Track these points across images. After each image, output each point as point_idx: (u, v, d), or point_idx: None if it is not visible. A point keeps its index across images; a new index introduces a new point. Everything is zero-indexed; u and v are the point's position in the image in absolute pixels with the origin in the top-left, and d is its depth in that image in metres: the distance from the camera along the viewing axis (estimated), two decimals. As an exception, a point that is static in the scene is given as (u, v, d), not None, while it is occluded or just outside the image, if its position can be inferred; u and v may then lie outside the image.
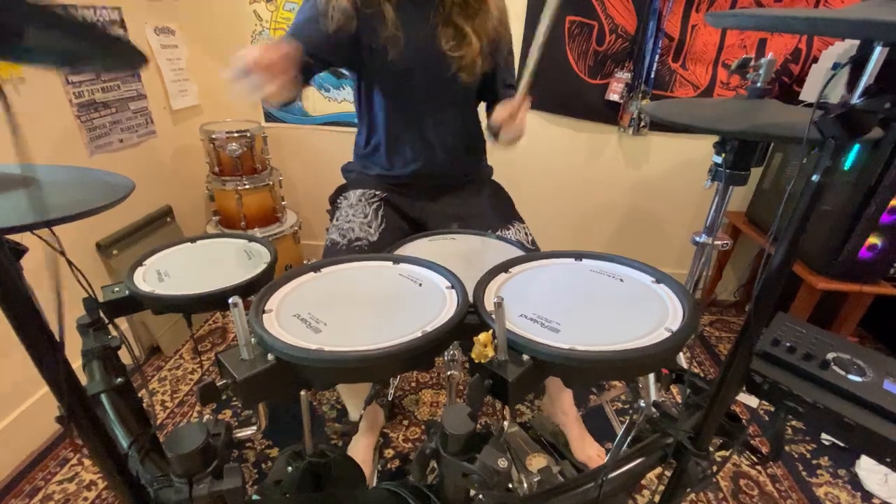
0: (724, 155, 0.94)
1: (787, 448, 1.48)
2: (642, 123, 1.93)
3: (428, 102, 1.13)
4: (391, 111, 1.15)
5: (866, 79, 0.40)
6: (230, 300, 0.53)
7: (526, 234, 1.13)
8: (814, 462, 1.44)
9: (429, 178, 1.20)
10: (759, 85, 0.93)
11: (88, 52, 0.35)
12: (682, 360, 1.20)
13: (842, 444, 1.45)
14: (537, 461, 1.19)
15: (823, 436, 1.51)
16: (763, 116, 0.85)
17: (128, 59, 0.37)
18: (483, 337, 0.54)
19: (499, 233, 1.10)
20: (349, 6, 0.99)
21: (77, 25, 0.30)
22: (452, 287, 0.68)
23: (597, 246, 2.26)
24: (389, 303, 0.66)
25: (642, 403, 1.13)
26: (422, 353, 0.56)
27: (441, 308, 0.63)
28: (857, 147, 1.45)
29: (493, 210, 1.19)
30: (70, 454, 1.37)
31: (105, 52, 0.35)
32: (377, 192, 1.18)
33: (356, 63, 1.10)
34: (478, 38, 1.05)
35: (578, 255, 0.79)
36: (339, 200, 1.21)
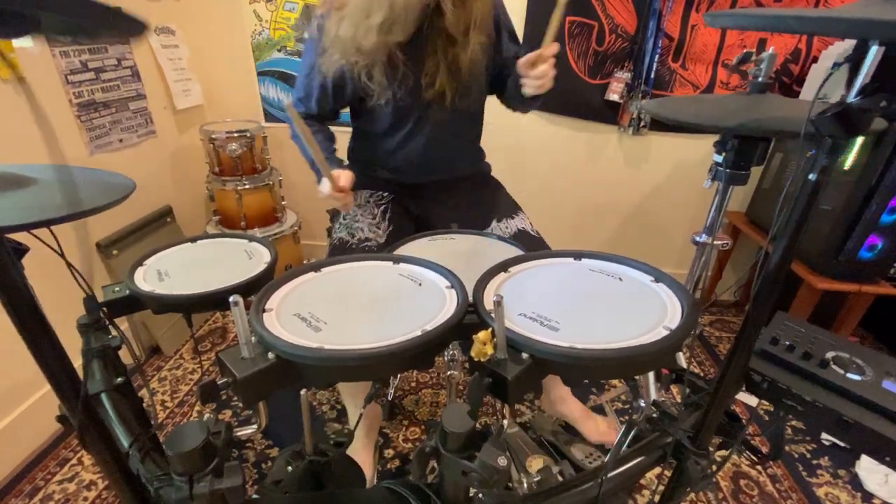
0: (724, 154, 0.93)
1: (787, 448, 1.48)
2: (642, 123, 1.93)
3: (422, 125, 1.13)
4: (389, 132, 1.16)
5: (862, 77, 0.40)
6: (231, 299, 0.53)
7: (530, 224, 1.14)
8: (814, 462, 1.44)
9: (430, 182, 1.22)
10: (760, 79, 0.92)
11: (91, 27, 0.37)
12: (682, 359, 1.20)
13: (842, 444, 1.45)
14: (536, 462, 1.19)
15: (823, 436, 1.51)
16: (764, 111, 0.85)
17: (129, 28, 0.38)
18: (482, 335, 0.54)
19: (504, 221, 1.11)
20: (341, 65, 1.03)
21: (83, 4, 0.32)
22: (452, 286, 0.68)
23: (596, 245, 2.25)
24: (389, 302, 0.66)
25: (642, 403, 1.13)
26: (422, 352, 0.57)
27: (441, 307, 0.63)
28: (857, 143, 1.45)
29: (496, 200, 1.22)
30: (70, 454, 1.37)
31: (106, 25, 0.36)
32: (384, 194, 1.19)
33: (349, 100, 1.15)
34: (449, 72, 1.04)
35: (578, 255, 0.79)
36: None
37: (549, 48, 0.97)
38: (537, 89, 1.01)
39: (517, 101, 1.11)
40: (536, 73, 0.98)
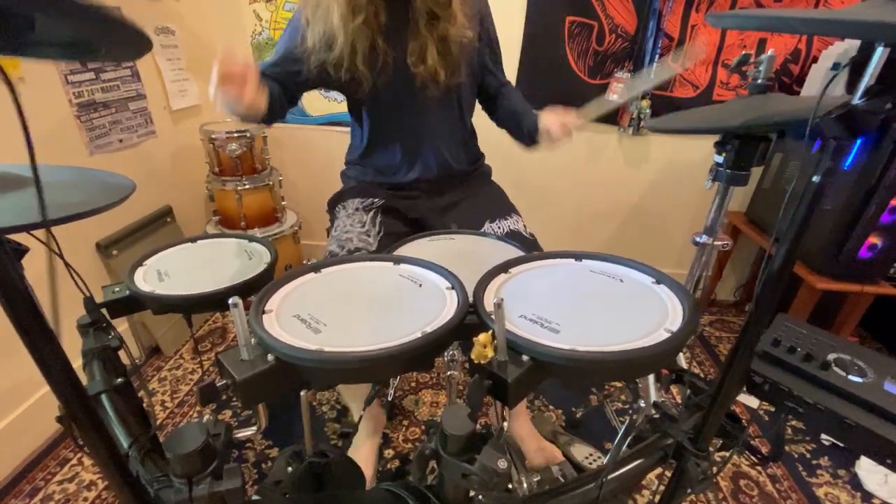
0: (724, 154, 0.93)
1: (787, 448, 1.48)
2: (642, 123, 1.93)
3: (413, 114, 1.13)
4: (381, 123, 1.15)
5: (867, 79, 0.39)
6: (230, 300, 0.53)
7: (524, 226, 1.14)
8: (814, 462, 1.44)
9: (426, 182, 1.20)
10: (759, 81, 0.92)
11: (93, 39, 0.35)
12: (682, 360, 1.20)
13: (842, 445, 1.45)
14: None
15: (823, 436, 1.51)
16: (767, 108, 0.85)
17: (133, 44, 0.37)
18: (483, 337, 0.54)
19: (496, 222, 1.10)
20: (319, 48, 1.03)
21: (83, 8, 0.30)
22: (452, 287, 0.68)
23: (597, 246, 2.26)
24: (389, 303, 0.66)
25: (642, 404, 1.13)
26: (422, 354, 0.56)
27: (441, 308, 0.63)
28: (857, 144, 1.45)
29: (491, 202, 1.21)
30: (70, 454, 1.37)
31: (110, 38, 0.35)
32: (375, 200, 1.18)
33: (336, 86, 1.12)
34: (437, 50, 1.04)
35: (578, 256, 0.79)
36: (336, 209, 1.22)
37: (577, 121, 1.05)
38: (551, 147, 1.09)
39: (524, 142, 1.19)
40: (557, 141, 1.06)
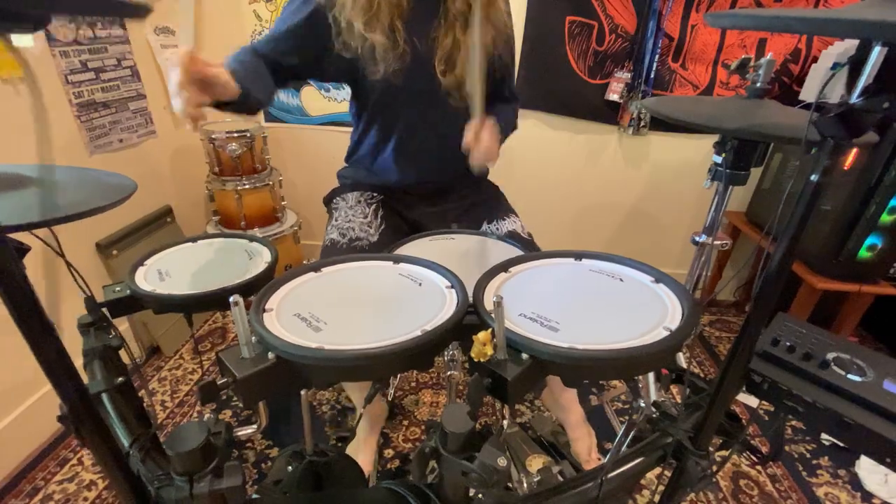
0: (723, 155, 0.94)
1: (787, 448, 1.48)
2: (642, 123, 1.93)
3: (425, 118, 1.10)
4: (387, 125, 1.13)
5: (865, 78, 0.40)
6: (231, 298, 0.53)
7: (522, 226, 1.13)
8: (814, 462, 1.44)
9: (426, 186, 1.20)
10: (758, 85, 0.93)
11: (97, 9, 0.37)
12: (682, 359, 1.20)
13: (842, 444, 1.45)
14: (536, 462, 1.19)
15: (823, 436, 1.52)
16: (761, 116, 0.85)
17: (133, 9, 0.38)
18: (482, 336, 0.54)
19: (494, 223, 1.10)
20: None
21: None
22: (452, 286, 0.68)
23: (597, 246, 2.25)
24: (389, 302, 0.66)
25: (642, 403, 1.13)
26: (421, 352, 0.57)
27: (441, 307, 0.63)
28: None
29: (489, 204, 1.21)
30: (70, 454, 1.37)
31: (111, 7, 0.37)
32: (375, 195, 1.18)
33: (346, 81, 1.09)
34: (469, 55, 0.99)
35: (578, 255, 0.79)
36: (336, 202, 1.21)
37: (479, 123, 0.87)
38: (482, 164, 0.89)
39: None
40: (484, 150, 0.88)
